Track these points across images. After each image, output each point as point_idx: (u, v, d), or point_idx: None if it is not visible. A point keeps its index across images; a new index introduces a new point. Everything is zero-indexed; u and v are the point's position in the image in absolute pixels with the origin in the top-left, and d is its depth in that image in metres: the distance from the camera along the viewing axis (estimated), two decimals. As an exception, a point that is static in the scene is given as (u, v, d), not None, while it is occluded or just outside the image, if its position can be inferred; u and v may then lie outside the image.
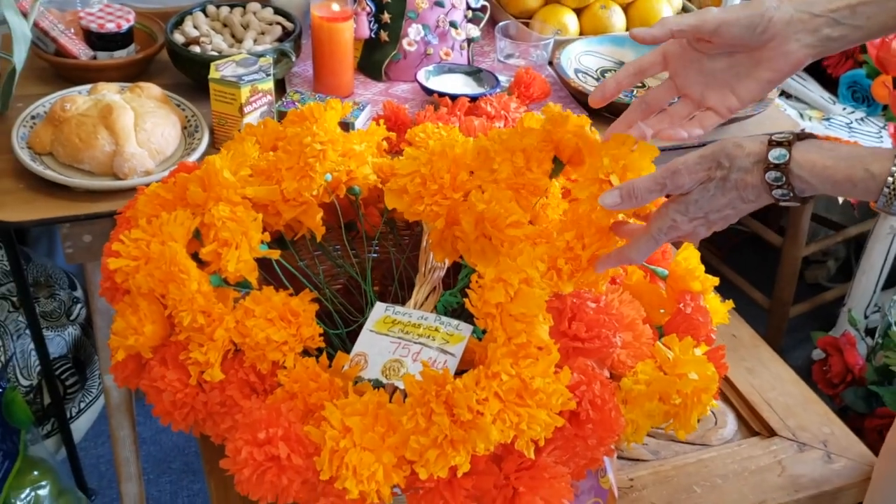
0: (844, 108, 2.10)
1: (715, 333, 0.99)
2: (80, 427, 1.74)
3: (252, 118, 1.28)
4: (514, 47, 1.52)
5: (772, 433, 1.20)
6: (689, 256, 1.01)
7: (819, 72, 2.20)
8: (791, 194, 0.75)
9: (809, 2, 0.81)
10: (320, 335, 0.88)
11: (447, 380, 0.76)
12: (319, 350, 0.90)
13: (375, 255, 1.08)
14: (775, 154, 0.74)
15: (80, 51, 1.42)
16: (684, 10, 1.71)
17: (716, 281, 1.03)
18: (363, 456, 0.77)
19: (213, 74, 1.27)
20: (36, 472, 1.49)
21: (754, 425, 1.22)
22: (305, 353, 0.88)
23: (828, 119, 2.05)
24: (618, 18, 1.61)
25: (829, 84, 2.17)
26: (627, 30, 1.63)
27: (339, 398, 0.81)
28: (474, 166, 0.92)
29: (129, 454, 1.52)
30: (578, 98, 1.46)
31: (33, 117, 1.27)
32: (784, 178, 0.74)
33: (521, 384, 0.77)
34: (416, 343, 0.87)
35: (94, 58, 1.43)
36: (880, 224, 2.04)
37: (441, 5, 1.47)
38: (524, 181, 0.88)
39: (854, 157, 0.73)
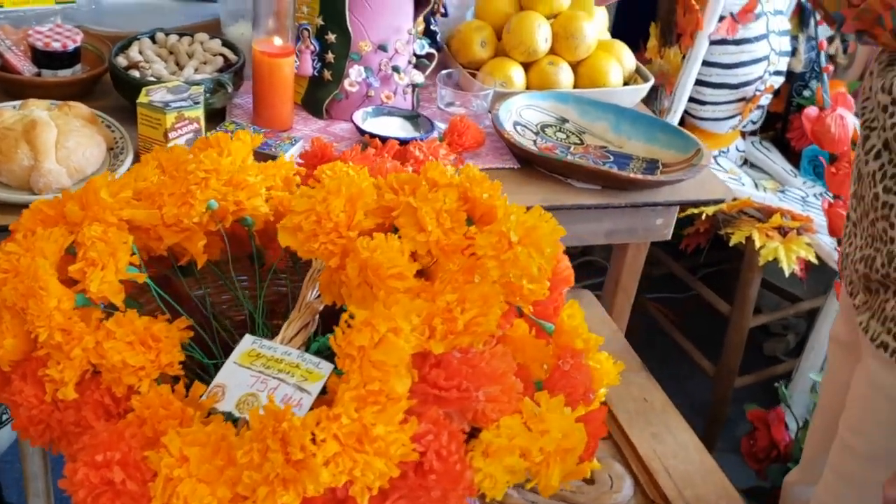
0: (804, 182, 2.10)
1: (594, 393, 0.98)
2: (0, 441, 1.73)
3: (176, 144, 1.28)
4: (455, 96, 1.53)
5: (666, 501, 1.18)
6: (574, 314, 1.01)
7: (783, 144, 2.22)
8: None
9: None
10: (181, 363, 0.88)
11: (286, 417, 0.76)
12: (193, 377, 0.89)
13: (283, 287, 1.09)
14: None
15: (25, 67, 1.44)
16: (637, 71, 1.73)
17: (600, 340, 1.02)
18: (197, 487, 0.76)
19: (141, 98, 1.28)
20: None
21: (650, 493, 1.20)
22: (176, 378, 0.87)
23: (783, 191, 2.06)
24: (565, 76, 1.62)
25: (793, 157, 2.18)
26: (574, 87, 1.64)
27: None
28: (380, 211, 0.93)
29: (38, 470, 1.50)
30: (513, 150, 1.47)
31: (-39, 127, 1.28)
32: None
33: (362, 429, 0.76)
34: (274, 378, 0.86)
35: (39, 74, 1.45)
36: (830, 300, 2.03)
37: (384, 50, 1.49)
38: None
39: None
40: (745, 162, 2.18)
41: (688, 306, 2.47)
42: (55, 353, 0.85)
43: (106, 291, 0.86)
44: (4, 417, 1.71)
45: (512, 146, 1.46)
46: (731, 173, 2.03)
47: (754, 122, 2.15)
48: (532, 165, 1.47)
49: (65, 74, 1.45)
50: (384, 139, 1.39)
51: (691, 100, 2.02)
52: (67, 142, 1.23)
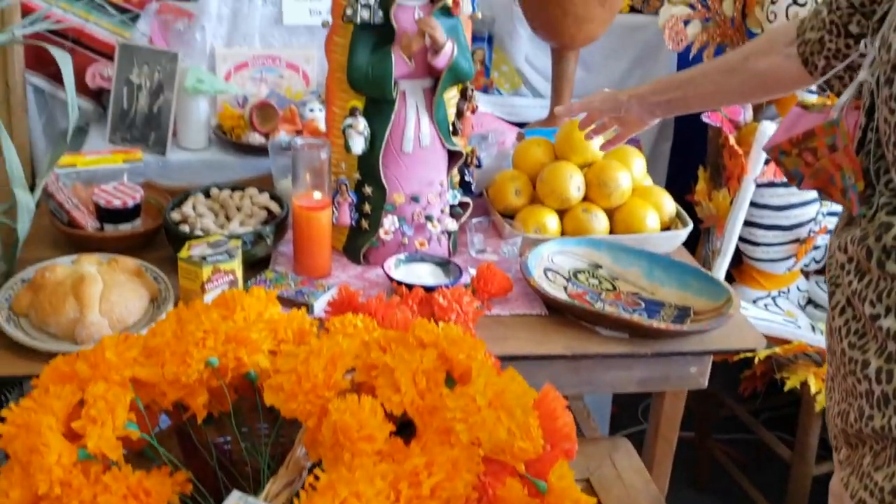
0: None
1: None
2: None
3: (212, 296, 1.37)
4: (486, 243, 1.59)
5: None
6: (564, 475, 1.00)
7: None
8: None
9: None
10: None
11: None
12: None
13: (283, 438, 1.13)
14: None
15: (88, 223, 1.57)
16: (678, 216, 1.74)
17: (592, 501, 1.02)
18: None
19: (182, 253, 1.38)
20: None
21: None
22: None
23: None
24: (599, 222, 1.66)
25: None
26: (610, 233, 1.67)
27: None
28: (364, 369, 0.97)
29: None
30: (542, 296, 1.50)
31: (23, 280, 1.41)
32: None
33: None
34: (255, 534, 0.90)
35: (101, 229, 1.58)
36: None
37: (417, 201, 1.56)
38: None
39: None
40: (810, 302, 2.13)
41: (753, 449, 2.38)
42: (55, 505, 0.91)
43: (104, 447, 0.92)
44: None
45: (537, 291, 1.49)
46: (788, 315, 1.99)
47: (817, 262, 2.11)
48: (561, 312, 1.49)
49: (124, 229, 1.58)
50: (410, 286, 1.45)
51: (745, 241, 2.02)
52: (111, 295, 1.33)
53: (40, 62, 1.93)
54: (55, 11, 1.81)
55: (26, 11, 1.85)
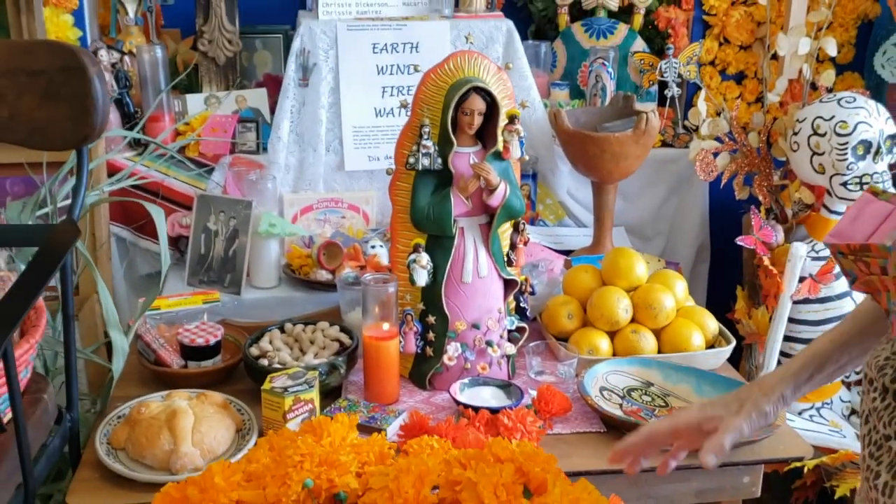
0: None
1: None
2: None
3: (293, 424, 1.48)
4: (543, 365, 1.69)
5: None
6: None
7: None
8: None
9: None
10: None
11: None
12: None
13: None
14: None
15: (174, 360, 1.70)
16: (721, 334, 1.83)
17: None
18: None
19: (265, 385, 1.50)
20: None
21: None
22: None
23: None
24: (648, 342, 1.76)
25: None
26: (658, 352, 1.77)
27: None
28: (448, 485, 1.07)
29: None
30: (600, 414, 1.59)
31: (119, 417, 1.53)
32: None
33: None
34: None
35: (185, 366, 1.71)
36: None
37: (478, 328, 1.68)
38: None
39: None
40: (853, 412, 2.19)
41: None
42: None
43: (216, 565, 1.02)
44: None
45: (595, 410, 1.58)
46: (832, 425, 2.05)
47: (857, 373, 2.18)
48: (618, 428, 1.58)
49: (206, 365, 1.71)
50: (476, 409, 1.55)
51: (787, 356, 2.10)
52: (202, 427, 1.45)
53: (123, 214, 2.11)
54: (139, 168, 2.00)
55: (112, 170, 2.05)
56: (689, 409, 1.26)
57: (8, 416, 1.22)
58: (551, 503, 0.98)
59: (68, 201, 1.45)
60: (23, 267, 1.36)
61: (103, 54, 2.18)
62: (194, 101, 2.25)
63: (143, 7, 2.31)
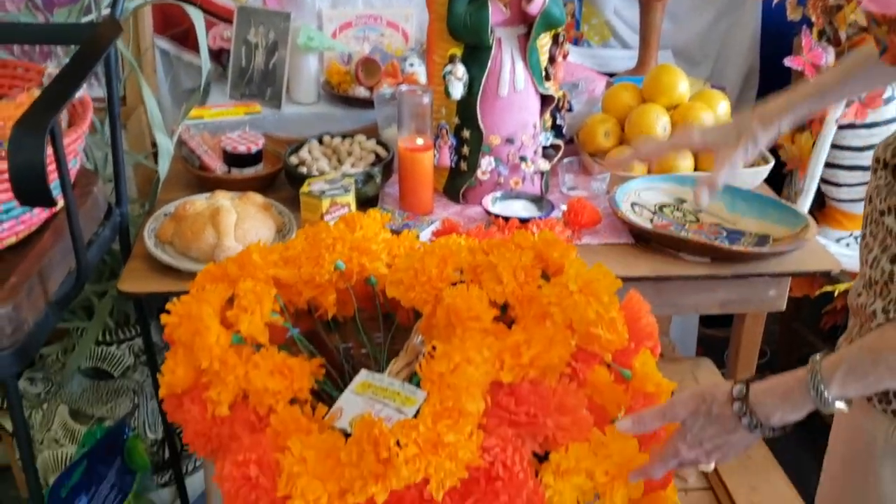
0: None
1: (664, 432, 1.10)
2: (194, 482, 2.01)
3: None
4: (576, 181, 1.71)
5: (756, 546, 1.26)
6: (647, 361, 1.14)
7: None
8: (755, 421, 0.93)
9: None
10: (315, 392, 1.09)
11: (377, 426, 0.95)
12: (320, 396, 1.11)
13: (396, 346, 1.28)
14: (737, 390, 0.92)
15: (217, 166, 1.76)
16: (761, 154, 1.83)
17: (673, 386, 1.14)
18: (312, 482, 0.96)
19: (303, 188, 1.55)
20: (143, 512, 1.77)
21: (742, 537, 1.28)
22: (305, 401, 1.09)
23: None
24: (684, 161, 1.76)
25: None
26: (695, 170, 1.78)
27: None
28: (470, 269, 1.12)
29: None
30: (628, 227, 1.62)
31: (165, 214, 1.60)
32: (745, 408, 0.94)
33: (436, 437, 0.93)
34: (380, 403, 1.06)
35: (228, 172, 1.77)
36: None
37: (512, 143, 1.70)
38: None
39: (790, 373, 0.92)
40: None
41: None
42: (214, 379, 1.08)
43: (253, 332, 1.09)
44: (198, 463, 1.99)
45: (626, 223, 1.61)
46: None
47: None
48: (646, 241, 1.61)
49: (248, 172, 1.76)
50: (507, 219, 1.59)
51: (827, 182, 2.09)
52: (244, 224, 1.51)
53: (167, 26, 2.12)
54: (181, -20, 2.00)
55: (155, -19, 2.05)
56: (691, 135, 1.36)
57: (61, 202, 1.29)
58: (566, 282, 1.03)
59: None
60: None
61: None
62: None
63: None
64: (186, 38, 2.10)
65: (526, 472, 0.97)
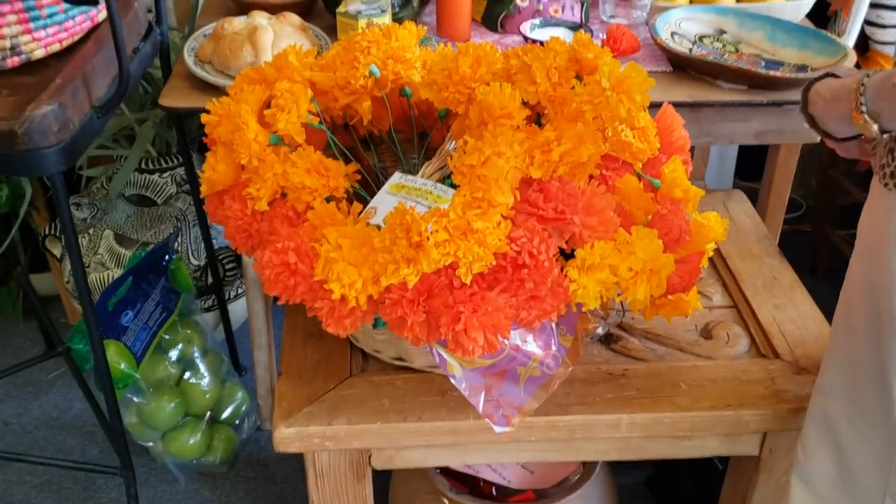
0: None
1: (689, 235, 1.13)
2: (236, 310, 2.10)
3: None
4: (616, 9, 1.69)
5: (776, 356, 1.30)
6: (676, 168, 1.15)
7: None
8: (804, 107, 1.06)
9: None
10: (347, 188, 1.13)
11: (409, 213, 0.99)
12: (352, 200, 1.14)
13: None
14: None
15: (255, -9, 1.76)
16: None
17: (701, 192, 1.16)
18: (347, 268, 1.00)
19: (340, 9, 1.55)
20: (188, 330, 1.85)
21: (763, 349, 1.32)
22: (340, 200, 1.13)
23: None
24: (727, -9, 1.73)
25: None
26: (736, 1, 1.74)
27: (342, 229, 1.05)
28: (503, 72, 1.14)
29: (262, 325, 1.84)
30: (666, 54, 1.61)
31: (204, 35, 1.61)
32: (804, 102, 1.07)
33: (466, 224, 0.97)
34: (413, 201, 1.09)
35: (262, -3, 1.77)
36: None
37: (551, -32, 1.67)
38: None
39: (840, 79, 1.01)
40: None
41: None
42: (254, 176, 1.12)
43: (290, 130, 1.13)
44: (240, 291, 2.07)
45: (664, 50, 1.60)
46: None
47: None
48: (684, 69, 1.60)
49: (286, -3, 1.76)
50: (543, 44, 1.58)
51: (872, 24, 2.03)
52: (281, 42, 1.52)
53: None
54: None
55: None
56: None
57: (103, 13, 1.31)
58: (598, 79, 1.04)
59: None
60: None
61: None
62: None
63: None
64: None
65: (551, 261, 1.01)
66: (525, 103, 1.09)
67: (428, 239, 0.96)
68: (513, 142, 1.01)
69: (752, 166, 2.57)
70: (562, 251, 1.07)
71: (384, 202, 1.12)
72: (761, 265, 1.48)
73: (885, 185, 0.95)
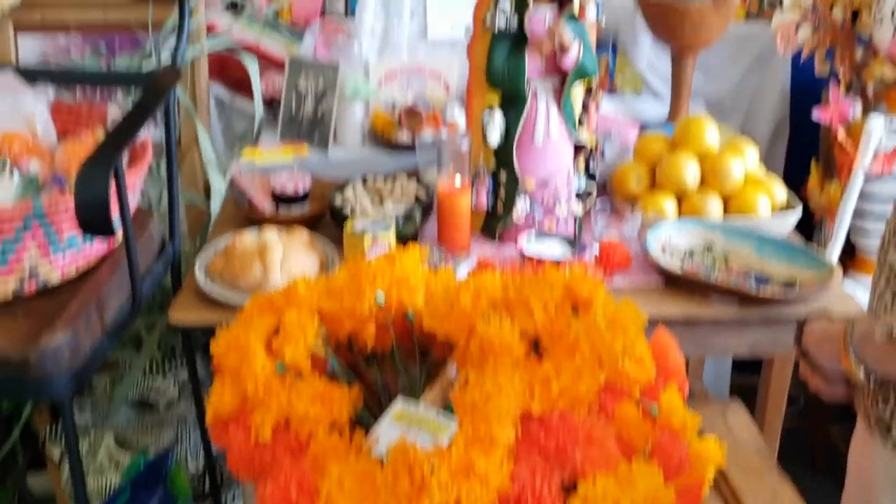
0: None
1: (688, 464, 1.14)
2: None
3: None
4: (609, 224, 1.77)
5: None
6: (673, 398, 1.18)
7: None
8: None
9: None
10: (354, 421, 1.15)
11: (412, 451, 1.00)
12: (355, 424, 1.16)
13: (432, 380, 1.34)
14: None
15: (266, 206, 1.85)
16: (789, 201, 1.87)
17: (698, 419, 1.18)
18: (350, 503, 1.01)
19: (346, 227, 1.63)
20: (183, 539, 1.83)
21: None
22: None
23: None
24: (714, 208, 1.81)
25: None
26: (724, 213, 1.82)
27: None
28: (503, 303, 1.18)
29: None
30: (660, 269, 1.67)
31: (215, 249, 1.68)
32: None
33: (468, 463, 0.99)
34: (415, 431, 1.11)
35: (276, 211, 1.85)
36: None
37: (546, 186, 1.76)
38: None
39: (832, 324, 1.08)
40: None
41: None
42: (258, 405, 1.15)
43: (297, 360, 1.16)
44: (237, 493, 2.05)
45: (655, 266, 1.66)
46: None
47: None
48: (676, 284, 1.66)
49: (295, 211, 1.84)
50: (540, 259, 1.65)
51: (857, 232, 2.12)
52: (290, 260, 1.59)
53: (221, 74, 2.23)
54: (235, 30, 2.12)
55: (210, 30, 2.16)
56: None
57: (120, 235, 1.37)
58: (593, 316, 1.08)
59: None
60: (130, 108, 1.49)
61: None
62: (288, -32, 2.33)
63: None
64: (240, 86, 2.20)
65: (554, 500, 1.02)
66: (524, 334, 1.13)
67: (431, 480, 0.97)
68: (513, 377, 1.04)
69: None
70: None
71: (386, 431, 1.13)
72: (761, 481, 1.48)
73: (870, 428, 0.98)
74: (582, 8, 1.69)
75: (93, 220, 1.12)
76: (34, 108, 1.50)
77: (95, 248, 1.38)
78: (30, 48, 2.04)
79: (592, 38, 1.76)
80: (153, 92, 1.35)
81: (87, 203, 1.10)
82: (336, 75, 2.06)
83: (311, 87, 2.10)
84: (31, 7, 2.00)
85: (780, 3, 2.13)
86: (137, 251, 1.36)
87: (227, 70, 2.20)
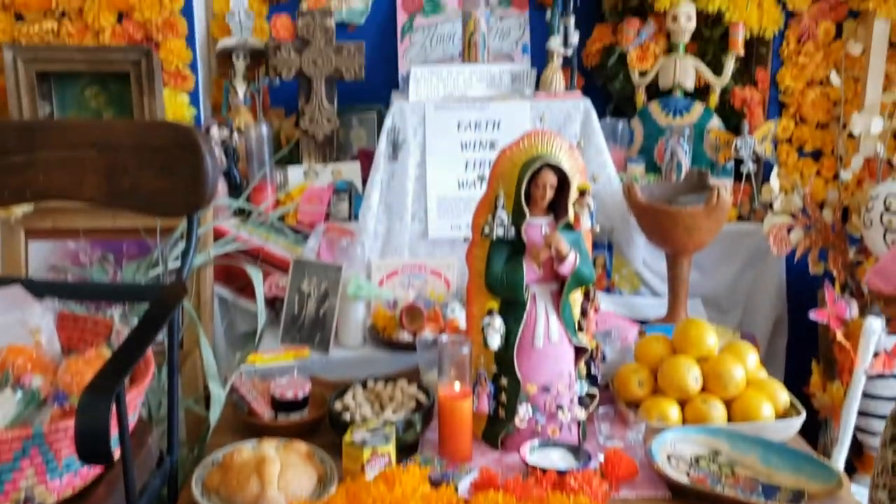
0: None
1: None
2: None
3: (371, 475, 1.58)
4: (612, 431, 1.75)
5: None
6: None
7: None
8: None
9: None
10: None
11: None
12: None
13: None
14: None
15: (265, 412, 1.84)
16: (793, 406, 1.86)
17: None
18: None
19: (346, 437, 1.61)
20: None
21: None
22: None
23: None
24: (717, 412, 1.80)
25: None
26: (728, 422, 1.81)
27: None
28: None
29: None
30: (666, 480, 1.64)
31: (213, 462, 1.66)
32: None
33: None
34: None
35: (275, 417, 1.84)
36: None
37: (548, 391, 1.76)
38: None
39: None
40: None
41: None
42: None
43: None
44: None
45: (661, 476, 1.63)
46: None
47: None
48: (683, 495, 1.62)
49: (294, 417, 1.83)
50: (545, 470, 1.62)
51: (863, 431, 2.10)
52: (287, 474, 1.56)
53: (226, 276, 2.28)
54: (242, 234, 2.18)
55: (217, 235, 2.23)
56: None
57: (117, 454, 1.36)
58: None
59: (178, 262, 1.61)
60: (135, 321, 1.52)
61: (214, 131, 2.39)
62: (294, 173, 2.43)
63: (252, 89, 2.53)
64: (243, 287, 2.25)
65: None
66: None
67: None
68: None
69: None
70: None
71: None
72: None
73: None
74: (577, 217, 1.74)
75: (92, 450, 1.12)
76: (40, 321, 1.53)
77: (92, 469, 1.36)
78: (39, 253, 2.09)
79: (588, 245, 1.81)
80: (158, 311, 1.37)
81: (87, 433, 1.10)
82: (339, 276, 2.11)
83: (314, 287, 2.14)
84: (42, 214, 2.06)
85: (771, 205, 2.20)
86: (135, 470, 1.34)
87: (232, 273, 2.25)
